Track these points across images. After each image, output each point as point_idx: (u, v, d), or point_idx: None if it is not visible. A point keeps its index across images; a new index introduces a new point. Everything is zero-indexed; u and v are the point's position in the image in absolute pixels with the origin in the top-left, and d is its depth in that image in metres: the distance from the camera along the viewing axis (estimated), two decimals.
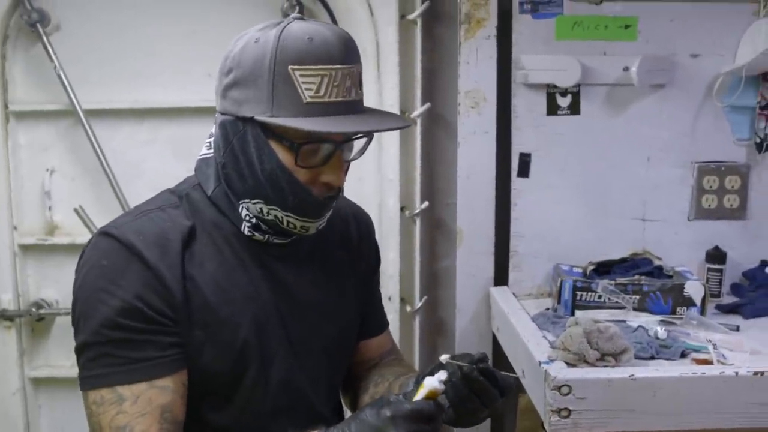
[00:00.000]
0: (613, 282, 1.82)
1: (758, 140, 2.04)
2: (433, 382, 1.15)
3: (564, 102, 2.02)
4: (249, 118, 1.20)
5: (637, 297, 1.81)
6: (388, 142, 2.08)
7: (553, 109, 2.02)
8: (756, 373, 1.45)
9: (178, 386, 1.23)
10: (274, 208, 1.25)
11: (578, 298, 1.81)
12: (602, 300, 1.81)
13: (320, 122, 1.18)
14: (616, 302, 1.80)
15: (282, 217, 1.25)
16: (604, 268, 1.93)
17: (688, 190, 2.05)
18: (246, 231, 1.29)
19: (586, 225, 2.04)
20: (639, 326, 1.67)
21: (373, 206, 2.06)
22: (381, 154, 2.08)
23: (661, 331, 1.64)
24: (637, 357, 1.55)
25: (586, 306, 1.81)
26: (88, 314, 1.21)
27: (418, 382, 1.19)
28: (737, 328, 1.76)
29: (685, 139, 2.04)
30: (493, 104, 2.03)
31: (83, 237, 2.05)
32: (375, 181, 2.10)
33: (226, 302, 1.26)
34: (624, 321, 1.73)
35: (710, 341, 1.63)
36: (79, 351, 1.23)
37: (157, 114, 2.15)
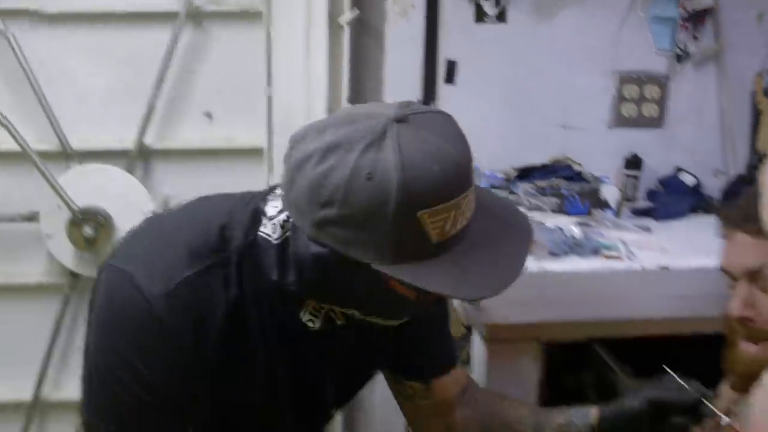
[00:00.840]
0: (533, 186, 1.88)
1: (679, 51, 2.10)
2: None
3: (491, 10, 2.04)
4: (361, 263, 1.01)
5: (556, 200, 1.87)
6: (316, 47, 2.07)
7: (480, 16, 2.04)
8: (662, 268, 1.53)
9: None
10: (372, 317, 1.14)
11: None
12: (523, 202, 1.87)
13: (452, 275, 1.02)
14: (536, 205, 1.86)
15: (368, 318, 1.15)
16: (525, 174, 1.99)
17: (608, 98, 2.10)
18: (307, 323, 1.18)
19: (509, 131, 2.09)
20: (556, 226, 1.74)
21: (301, 113, 2.07)
22: (309, 60, 2.08)
23: (577, 231, 1.71)
24: (552, 254, 1.62)
25: None
26: (106, 380, 1.13)
27: None
28: (648, 229, 1.84)
29: (608, 48, 2.09)
30: (421, 12, 2.04)
31: (8, 144, 2.03)
32: (302, 86, 2.10)
33: (247, 377, 1.19)
34: (543, 222, 1.80)
35: (622, 240, 1.71)
36: (89, 406, 1.16)
37: (84, 19, 2.11)
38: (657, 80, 2.10)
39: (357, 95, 2.15)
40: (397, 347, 1.27)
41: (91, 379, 1.14)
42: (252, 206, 1.15)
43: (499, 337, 1.58)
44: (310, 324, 1.16)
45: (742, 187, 2.06)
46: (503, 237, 1.08)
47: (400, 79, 2.06)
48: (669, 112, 2.12)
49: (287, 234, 1.10)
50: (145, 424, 1.14)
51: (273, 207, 1.13)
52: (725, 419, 1.16)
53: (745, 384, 1.27)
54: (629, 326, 1.59)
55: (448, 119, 1.04)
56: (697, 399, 1.22)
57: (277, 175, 2.06)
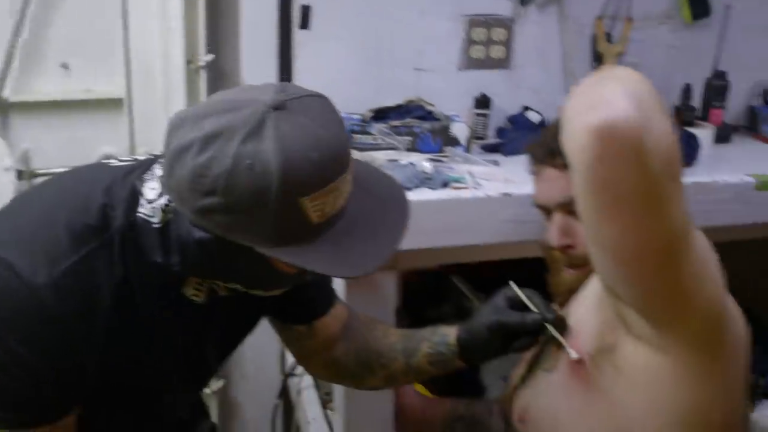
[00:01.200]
0: (387, 126, 1.96)
1: None
2: None
3: None
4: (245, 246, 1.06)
5: (409, 138, 1.96)
6: None
7: None
8: (504, 195, 1.64)
9: (74, 418, 1.21)
10: (255, 290, 1.20)
11: (356, 141, 1.94)
12: (378, 142, 1.95)
13: (332, 253, 1.07)
14: (391, 143, 1.95)
15: (251, 291, 1.20)
16: (381, 115, 2.06)
17: (458, 41, 2.19)
18: (191, 297, 1.23)
19: (365, 75, 2.14)
20: (409, 163, 1.83)
21: (158, 58, 2.09)
22: (165, 8, 2.09)
23: (428, 166, 1.80)
24: (404, 188, 1.70)
25: (363, 148, 1.94)
26: None
27: None
28: (497, 163, 1.95)
29: None
30: None
31: None
32: (159, 32, 2.11)
33: (146, 351, 1.24)
34: (397, 160, 1.89)
35: (470, 173, 1.82)
36: None
37: None
38: (503, 23, 2.20)
39: (214, 43, 2.17)
40: (277, 298, 1.30)
41: None
42: (129, 184, 1.16)
43: None
44: (194, 298, 1.22)
45: None
46: (380, 211, 1.16)
47: (256, 26, 2.09)
48: (515, 54, 2.22)
49: (169, 218, 1.12)
50: (38, 409, 1.15)
51: (150, 189, 1.15)
52: (573, 354, 1.26)
53: (568, 302, 1.39)
54: (477, 251, 1.71)
55: (324, 102, 1.11)
56: (539, 323, 1.31)
57: (138, 126, 2.09)
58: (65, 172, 1.26)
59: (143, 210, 1.15)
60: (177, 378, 1.35)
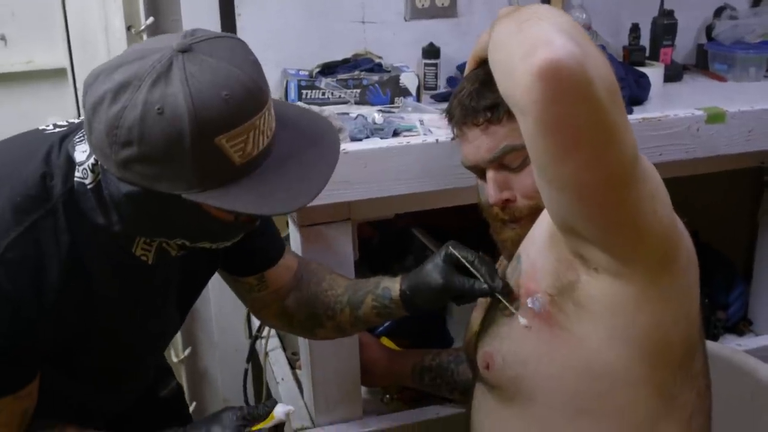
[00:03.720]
0: (335, 79, 1.94)
1: None
2: (280, 415, 1.20)
3: None
4: (172, 195, 1.05)
5: (358, 91, 1.95)
6: None
7: None
8: (453, 139, 1.62)
9: (37, 383, 1.20)
10: (201, 243, 1.19)
11: (304, 96, 1.92)
12: (326, 96, 1.94)
13: (260, 193, 1.06)
14: (340, 97, 1.93)
15: (198, 245, 1.19)
16: (329, 70, 2.05)
17: None
18: (141, 257, 1.22)
19: (310, 30, 2.12)
20: (359, 115, 1.81)
21: (99, 30, 2.05)
22: None
23: (378, 117, 1.79)
24: (354, 139, 1.69)
25: (312, 102, 1.92)
26: None
27: (269, 408, 1.22)
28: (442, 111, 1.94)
29: None
30: None
31: None
32: (97, 2, 2.06)
33: (106, 316, 1.23)
34: (347, 113, 1.87)
35: (420, 121, 1.81)
36: None
37: None
38: None
39: (153, 6, 2.13)
40: (226, 251, 1.30)
41: None
42: (65, 151, 1.15)
43: (312, 221, 1.65)
44: (143, 258, 1.20)
45: None
46: (309, 149, 1.14)
47: None
48: (461, 2, 2.21)
49: (99, 177, 1.12)
50: (0, 382, 1.14)
51: (81, 152, 1.14)
52: (523, 321, 1.26)
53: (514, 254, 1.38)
54: (431, 198, 1.70)
55: (235, 42, 1.09)
56: (487, 291, 1.31)
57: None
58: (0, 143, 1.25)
59: (78, 174, 1.14)
60: (137, 340, 1.35)
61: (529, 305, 1.26)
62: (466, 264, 1.33)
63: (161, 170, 1.02)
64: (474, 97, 1.34)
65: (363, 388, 1.91)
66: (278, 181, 1.08)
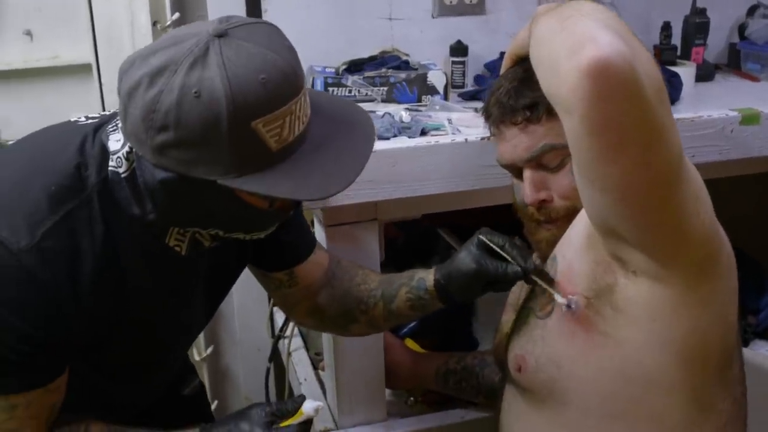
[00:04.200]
0: (362, 76, 1.92)
1: None
2: (309, 411, 1.19)
3: None
4: (207, 182, 1.04)
5: (385, 89, 1.92)
6: None
7: None
8: (483, 139, 1.60)
9: (66, 377, 1.20)
10: (235, 233, 1.19)
11: (330, 93, 1.90)
12: (353, 94, 1.91)
13: (295, 178, 1.05)
14: (366, 94, 1.91)
15: (232, 235, 1.19)
16: (356, 67, 2.02)
17: None
18: (174, 248, 1.21)
19: (337, 28, 2.10)
20: (385, 113, 1.79)
21: (125, 25, 2.04)
22: None
23: (405, 115, 1.76)
24: (381, 138, 1.67)
25: None
26: None
27: (297, 404, 1.21)
28: (475, 110, 1.91)
29: None
30: None
31: None
32: None
33: (142, 308, 1.23)
34: (374, 111, 1.84)
35: (448, 119, 1.78)
36: None
37: None
38: None
39: (180, 4, 2.13)
40: (256, 245, 1.31)
41: None
42: (99, 141, 1.15)
43: (338, 221, 1.63)
44: (177, 249, 1.20)
45: None
46: (344, 135, 1.13)
47: None
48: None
49: (133, 165, 1.11)
50: (29, 374, 1.13)
51: (115, 141, 1.13)
52: (561, 299, 1.23)
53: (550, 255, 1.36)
54: (459, 199, 1.68)
55: (271, 28, 1.08)
56: (521, 274, 1.30)
57: (108, 91, 2.05)
58: (33, 135, 1.25)
59: (112, 163, 1.14)
60: (169, 331, 1.35)
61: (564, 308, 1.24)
62: (497, 249, 1.33)
63: (197, 155, 1.02)
64: (513, 95, 1.31)
65: (387, 390, 1.88)
66: (313, 168, 1.07)
